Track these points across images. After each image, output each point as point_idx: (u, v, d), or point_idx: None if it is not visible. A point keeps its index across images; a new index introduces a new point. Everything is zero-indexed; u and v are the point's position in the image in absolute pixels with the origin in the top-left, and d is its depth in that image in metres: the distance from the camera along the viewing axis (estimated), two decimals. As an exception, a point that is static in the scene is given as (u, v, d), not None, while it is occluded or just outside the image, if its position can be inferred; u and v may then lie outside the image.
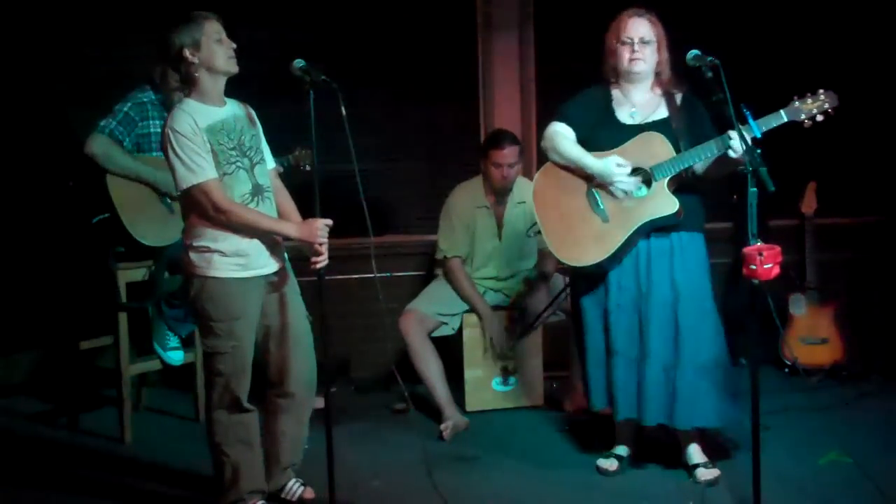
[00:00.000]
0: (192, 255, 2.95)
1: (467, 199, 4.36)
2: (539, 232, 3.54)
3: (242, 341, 2.99)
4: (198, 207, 2.90)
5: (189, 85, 2.93)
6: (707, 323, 3.31)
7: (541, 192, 3.50)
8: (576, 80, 4.99)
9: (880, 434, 3.84)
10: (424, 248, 4.84)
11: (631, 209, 3.31)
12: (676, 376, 3.28)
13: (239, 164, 2.95)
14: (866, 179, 5.06)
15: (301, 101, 2.98)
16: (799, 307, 4.72)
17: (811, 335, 4.68)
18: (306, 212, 3.10)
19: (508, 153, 4.23)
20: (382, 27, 4.97)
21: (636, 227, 3.29)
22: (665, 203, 3.26)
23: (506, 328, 4.29)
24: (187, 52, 2.86)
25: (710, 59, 3.08)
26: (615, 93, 3.44)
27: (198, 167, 2.83)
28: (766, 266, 2.71)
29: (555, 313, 4.33)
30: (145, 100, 3.93)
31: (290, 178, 3.35)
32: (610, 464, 3.50)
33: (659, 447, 3.58)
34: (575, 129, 3.42)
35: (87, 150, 3.79)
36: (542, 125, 5.03)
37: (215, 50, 2.87)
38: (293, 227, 3.01)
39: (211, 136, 2.88)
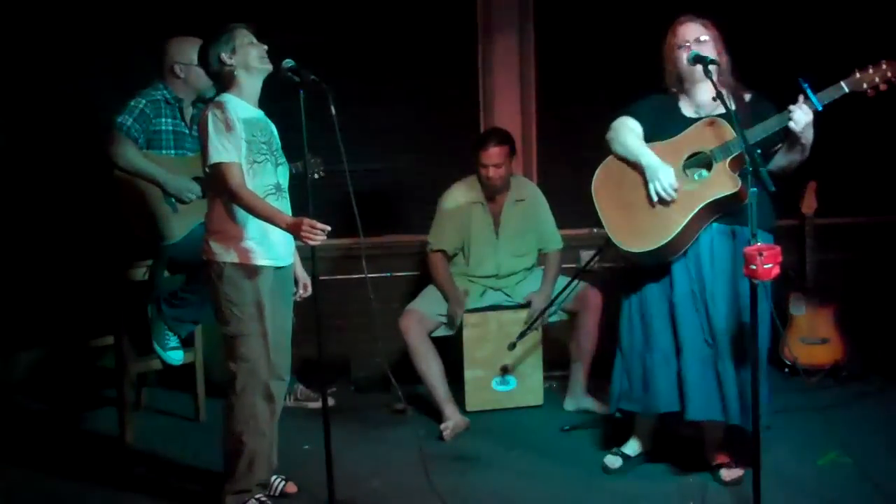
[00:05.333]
0: (212, 242, 3.12)
1: (462, 195, 4.37)
2: (599, 226, 3.51)
3: (263, 325, 3.13)
4: (217, 188, 3.09)
5: (229, 86, 3.16)
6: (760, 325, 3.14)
7: (600, 186, 3.50)
8: (576, 80, 5.06)
9: (880, 434, 3.84)
10: (424, 248, 4.84)
11: (692, 193, 3.27)
12: (738, 374, 3.24)
13: (267, 158, 3.16)
14: (866, 179, 5.06)
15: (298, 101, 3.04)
16: (799, 307, 4.72)
17: (811, 335, 4.67)
18: (305, 212, 3.10)
19: (493, 153, 4.22)
20: (382, 27, 4.97)
21: (698, 209, 3.24)
22: (726, 182, 3.20)
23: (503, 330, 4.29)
24: (225, 57, 3.11)
25: (708, 58, 3.14)
26: (681, 97, 3.42)
27: (225, 149, 3.03)
28: (766, 266, 2.71)
29: (555, 313, 4.33)
30: (159, 97, 3.93)
31: (296, 182, 3.36)
32: (613, 461, 3.51)
33: (672, 445, 3.59)
34: (642, 125, 3.42)
35: (108, 150, 3.78)
36: (543, 125, 5.11)
37: (249, 51, 3.13)
38: (284, 219, 3.07)
39: (246, 127, 3.09)
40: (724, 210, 3.26)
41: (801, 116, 3.05)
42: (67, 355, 4.67)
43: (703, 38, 3.30)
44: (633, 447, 3.58)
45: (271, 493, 3.30)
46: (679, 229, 3.26)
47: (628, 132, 3.42)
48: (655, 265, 3.38)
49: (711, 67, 3.15)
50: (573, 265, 4.61)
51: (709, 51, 3.28)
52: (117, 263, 3.95)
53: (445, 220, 4.35)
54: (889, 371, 4.60)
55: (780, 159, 3.27)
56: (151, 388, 4.57)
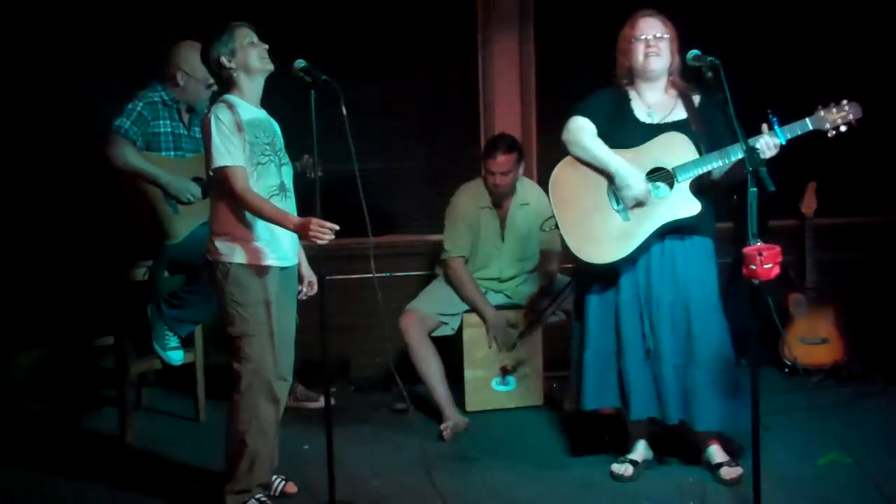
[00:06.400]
0: (217, 243, 3.11)
1: (471, 199, 4.36)
2: (555, 226, 3.47)
3: (269, 325, 3.12)
4: (222, 190, 3.08)
5: (230, 88, 3.14)
6: (715, 326, 3.34)
7: (559, 186, 3.44)
8: (576, 80, 5.03)
9: (880, 434, 3.84)
10: (424, 248, 4.84)
11: (652, 209, 3.30)
12: (687, 377, 3.31)
13: (271, 159, 3.15)
14: (866, 179, 5.06)
15: (299, 101, 3.03)
16: (799, 307, 4.72)
17: (811, 335, 4.67)
18: (307, 212, 3.10)
19: (501, 162, 4.20)
20: (382, 26, 4.97)
21: (658, 227, 3.28)
22: (688, 204, 3.26)
23: (511, 327, 4.29)
24: (224, 60, 3.09)
25: (709, 59, 3.07)
26: (631, 93, 3.42)
27: (228, 152, 3.02)
28: (766, 266, 2.71)
29: (555, 313, 4.33)
30: (156, 99, 3.93)
31: (296, 183, 3.36)
32: (625, 469, 3.47)
33: (674, 446, 3.59)
34: (595, 124, 3.40)
35: (106, 152, 3.79)
36: (543, 124, 5.11)
37: (249, 52, 3.10)
38: (292, 220, 3.07)
39: (249, 129, 3.08)
40: (681, 225, 3.31)
41: (769, 146, 3.08)
42: (68, 355, 4.68)
43: (662, 35, 3.32)
44: (639, 453, 3.55)
45: (271, 494, 3.31)
46: (638, 245, 3.30)
47: (587, 135, 3.37)
48: (604, 271, 3.40)
49: (707, 68, 3.06)
50: (573, 265, 4.60)
51: (665, 49, 3.32)
52: (118, 264, 3.95)
53: (460, 225, 4.33)
54: (889, 371, 4.60)
55: (727, 174, 3.30)
56: (151, 388, 4.57)
